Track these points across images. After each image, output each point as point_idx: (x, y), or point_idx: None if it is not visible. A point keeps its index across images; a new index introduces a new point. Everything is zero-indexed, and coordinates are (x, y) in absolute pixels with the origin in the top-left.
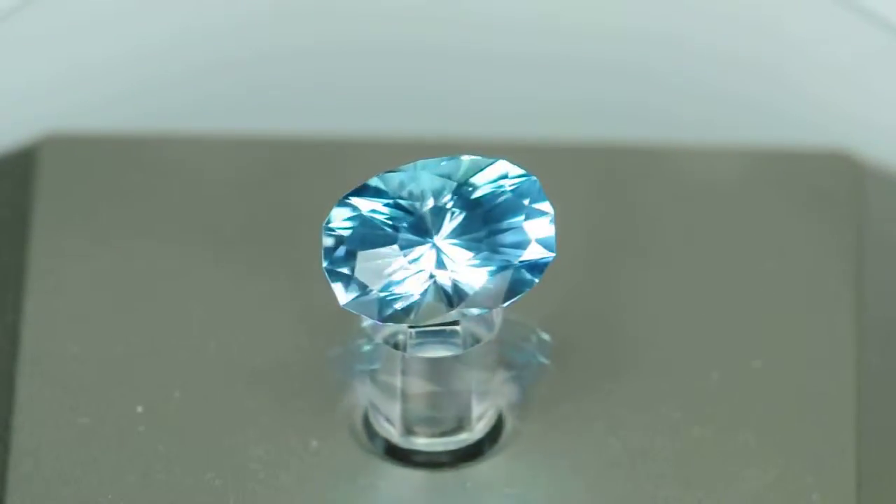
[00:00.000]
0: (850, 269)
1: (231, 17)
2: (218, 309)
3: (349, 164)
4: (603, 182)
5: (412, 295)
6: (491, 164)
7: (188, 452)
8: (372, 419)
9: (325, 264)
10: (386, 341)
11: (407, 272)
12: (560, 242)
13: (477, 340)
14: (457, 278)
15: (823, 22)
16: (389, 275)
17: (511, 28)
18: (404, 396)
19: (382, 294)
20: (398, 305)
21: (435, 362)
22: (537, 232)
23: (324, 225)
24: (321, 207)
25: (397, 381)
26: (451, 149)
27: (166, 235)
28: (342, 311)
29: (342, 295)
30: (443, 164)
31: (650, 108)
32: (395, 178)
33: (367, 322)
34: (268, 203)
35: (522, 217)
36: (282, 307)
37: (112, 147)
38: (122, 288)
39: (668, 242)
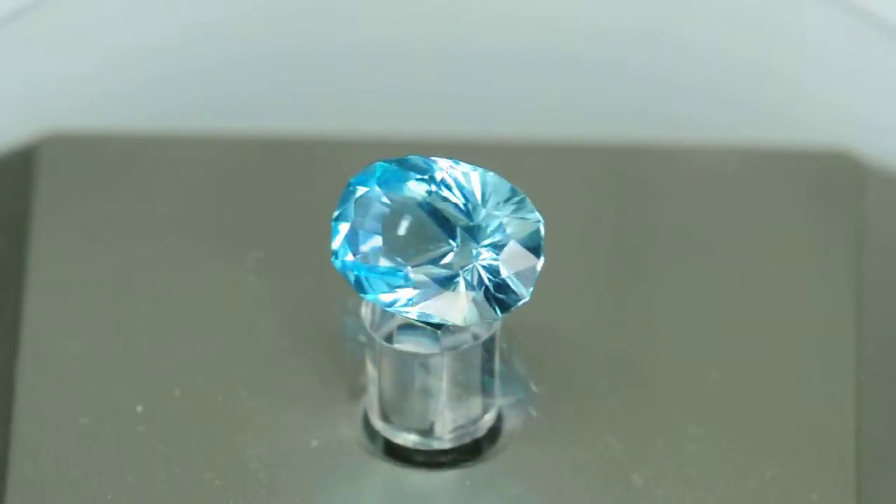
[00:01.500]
0: (850, 269)
1: (231, 17)
2: (218, 308)
3: (349, 165)
4: (603, 182)
5: (399, 286)
6: (514, 196)
7: (188, 452)
8: (371, 416)
9: (336, 213)
10: (376, 330)
11: (407, 263)
12: (559, 242)
13: (476, 338)
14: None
15: (823, 22)
16: (390, 255)
17: (511, 28)
18: (379, 384)
19: (376, 271)
20: (379, 291)
21: (412, 358)
22: (520, 275)
23: (355, 179)
24: (321, 207)
25: (375, 369)
26: (451, 149)
27: (166, 235)
28: (342, 311)
29: (336, 252)
30: (484, 175)
31: (650, 108)
32: (452, 173)
33: (365, 309)
34: (268, 203)
35: (512, 256)
36: (282, 307)
37: (112, 147)
38: (122, 288)
39: (668, 242)
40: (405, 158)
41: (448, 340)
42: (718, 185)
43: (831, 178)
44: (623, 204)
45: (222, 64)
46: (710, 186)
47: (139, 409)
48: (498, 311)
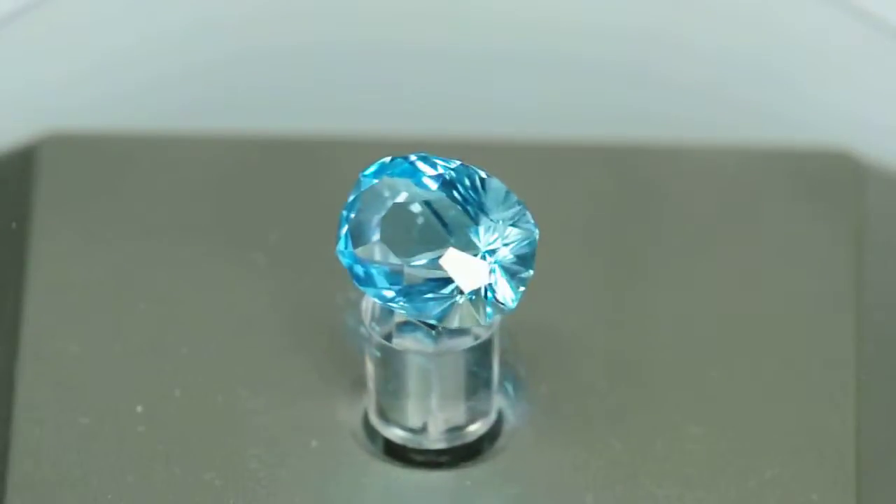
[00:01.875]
0: (850, 269)
1: (230, 16)
2: (218, 308)
3: (348, 164)
4: (603, 182)
5: (396, 282)
6: (516, 205)
7: (188, 452)
8: (372, 415)
9: (349, 198)
10: (375, 327)
11: (407, 260)
12: (560, 242)
13: (476, 339)
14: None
15: (823, 22)
16: (392, 251)
17: (511, 27)
18: (376, 381)
19: (378, 266)
20: (380, 286)
21: (406, 356)
22: (511, 283)
23: (367, 171)
24: (321, 207)
25: (372, 365)
26: (451, 149)
27: (166, 235)
28: (342, 311)
29: (341, 243)
30: (490, 180)
31: (650, 107)
32: (461, 175)
33: (365, 306)
34: (268, 203)
35: (505, 263)
36: (282, 306)
37: (112, 147)
38: (122, 288)
39: (668, 242)
40: (420, 155)
41: (445, 341)
42: (718, 185)
43: (831, 178)
44: (623, 204)
45: (222, 63)
46: (710, 186)
47: (139, 409)
48: (487, 317)
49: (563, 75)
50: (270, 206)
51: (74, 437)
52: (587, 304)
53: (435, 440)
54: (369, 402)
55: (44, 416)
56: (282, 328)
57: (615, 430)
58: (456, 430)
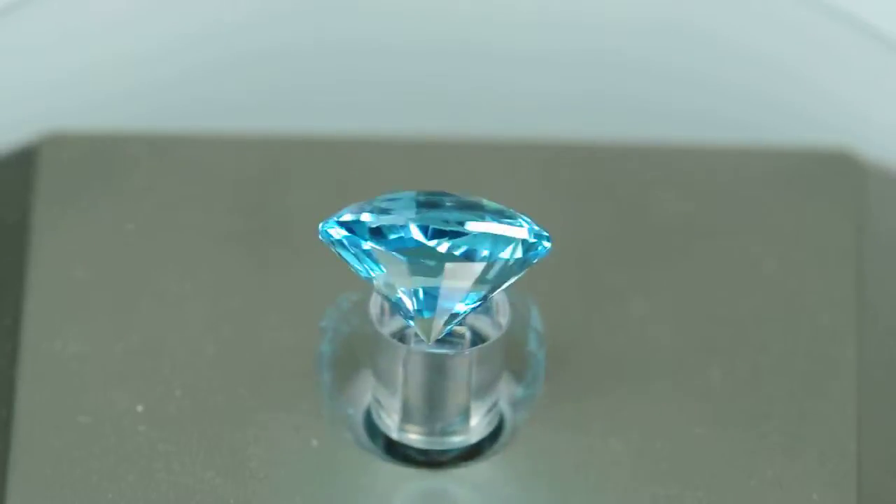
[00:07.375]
0: (851, 269)
1: (231, 16)
2: (218, 308)
3: (349, 164)
4: (603, 182)
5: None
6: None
7: (188, 452)
8: (374, 414)
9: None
10: (392, 335)
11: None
12: (559, 242)
13: (483, 339)
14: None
15: (823, 22)
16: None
17: (511, 24)
18: (380, 380)
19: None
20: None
21: (412, 354)
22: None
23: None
24: (321, 207)
25: (398, 374)
26: (451, 147)
27: (166, 235)
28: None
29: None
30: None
31: (650, 107)
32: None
33: (373, 305)
34: (268, 203)
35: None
36: (282, 306)
37: (112, 147)
38: (122, 287)
39: (668, 242)
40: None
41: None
42: (718, 184)
43: (832, 177)
44: (622, 203)
45: (223, 64)
46: (711, 186)
47: (139, 409)
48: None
49: (561, 72)
50: (270, 206)
51: (74, 437)
52: (587, 304)
53: (436, 440)
54: (373, 401)
55: (44, 416)
56: (282, 328)
57: (615, 431)
58: (458, 429)
